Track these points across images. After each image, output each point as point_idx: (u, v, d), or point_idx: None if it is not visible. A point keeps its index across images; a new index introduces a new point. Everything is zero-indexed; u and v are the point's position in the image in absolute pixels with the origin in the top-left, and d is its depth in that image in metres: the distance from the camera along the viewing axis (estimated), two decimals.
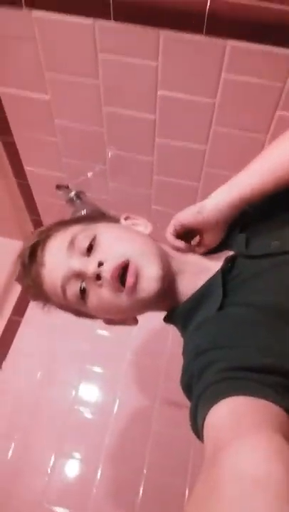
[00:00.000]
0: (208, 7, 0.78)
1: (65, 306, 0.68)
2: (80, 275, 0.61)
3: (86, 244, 0.61)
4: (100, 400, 1.35)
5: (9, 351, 1.42)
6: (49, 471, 1.23)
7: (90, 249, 0.62)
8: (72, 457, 1.26)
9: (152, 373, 1.37)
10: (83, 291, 0.62)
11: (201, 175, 1.14)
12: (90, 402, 1.35)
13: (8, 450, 1.26)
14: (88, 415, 1.32)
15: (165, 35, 0.85)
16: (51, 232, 0.67)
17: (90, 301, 0.62)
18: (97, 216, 0.73)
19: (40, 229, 0.70)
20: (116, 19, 0.85)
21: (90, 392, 1.36)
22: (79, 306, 0.65)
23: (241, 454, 0.34)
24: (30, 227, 1.54)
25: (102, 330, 1.45)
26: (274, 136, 0.97)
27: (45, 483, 1.22)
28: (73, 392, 1.35)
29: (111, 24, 0.86)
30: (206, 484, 0.34)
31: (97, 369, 1.40)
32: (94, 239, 0.62)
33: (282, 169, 0.60)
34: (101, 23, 0.86)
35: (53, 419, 1.31)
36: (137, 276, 0.58)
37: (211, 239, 0.67)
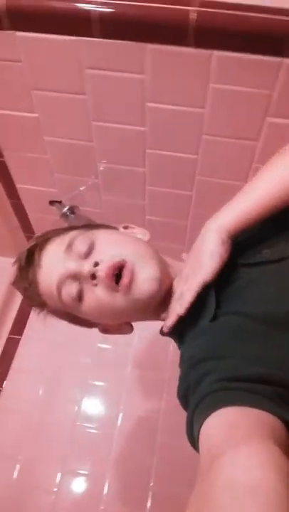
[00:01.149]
0: (191, 19, 0.78)
1: (61, 311, 0.68)
2: (75, 276, 0.61)
3: (84, 248, 0.62)
4: (104, 414, 1.34)
5: (9, 370, 1.41)
6: (55, 490, 1.21)
7: (87, 253, 0.62)
8: (79, 474, 1.24)
9: (155, 384, 1.37)
10: (78, 293, 0.62)
11: (193, 184, 1.14)
12: (93, 416, 1.34)
13: (13, 470, 1.25)
14: (92, 430, 1.31)
15: (151, 48, 0.85)
16: (49, 236, 0.68)
17: (85, 303, 0.62)
18: (96, 224, 0.74)
19: (37, 234, 0.71)
20: (101, 36, 0.85)
21: (93, 406, 1.36)
22: (74, 309, 0.65)
23: (234, 463, 0.34)
24: (25, 244, 1.53)
25: (102, 343, 1.44)
26: (264, 143, 0.98)
27: (52, 501, 1.20)
28: (76, 408, 1.34)
29: (96, 41, 0.86)
30: (200, 494, 0.34)
31: (99, 383, 1.39)
32: (92, 243, 0.62)
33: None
34: (85, 41, 0.86)
35: (57, 436, 1.30)
36: (132, 276, 0.59)
37: None
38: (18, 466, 1.25)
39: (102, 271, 0.59)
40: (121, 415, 1.32)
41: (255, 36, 0.79)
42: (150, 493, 1.20)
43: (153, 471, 1.23)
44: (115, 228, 0.73)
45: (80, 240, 0.63)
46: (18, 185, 1.28)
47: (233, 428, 0.40)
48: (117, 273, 0.59)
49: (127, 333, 0.74)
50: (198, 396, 0.47)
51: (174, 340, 0.69)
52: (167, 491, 1.20)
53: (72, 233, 0.66)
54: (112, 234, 0.69)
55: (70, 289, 0.62)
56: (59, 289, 0.63)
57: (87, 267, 0.60)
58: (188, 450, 1.30)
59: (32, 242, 0.68)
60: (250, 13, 0.77)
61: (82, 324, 0.72)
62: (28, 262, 0.66)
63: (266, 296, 0.56)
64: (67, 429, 1.31)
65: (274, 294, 0.56)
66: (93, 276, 0.59)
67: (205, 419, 0.43)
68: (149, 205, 1.25)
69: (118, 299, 0.60)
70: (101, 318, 0.69)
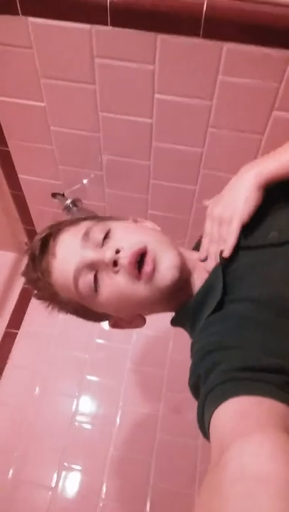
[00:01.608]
0: (204, 10, 0.80)
1: (71, 302, 0.66)
2: (94, 265, 0.60)
3: (101, 236, 0.61)
4: (102, 410, 1.32)
5: (6, 365, 1.39)
6: (53, 486, 1.19)
7: (104, 242, 0.61)
8: (76, 471, 1.22)
9: (154, 381, 1.35)
10: (95, 282, 0.60)
11: (198, 178, 1.14)
12: (91, 413, 1.32)
13: (9, 467, 1.22)
14: (90, 427, 1.29)
15: (162, 38, 0.86)
16: (63, 226, 0.66)
17: (103, 292, 0.61)
18: (107, 216, 0.73)
19: (50, 224, 0.69)
20: (113, 24, 0.86)
21: (91, 403, 1.34)
22: (90, 299, 0.63)
23: (245, 452, 0.34)
24: (23, 237, 1.52)
25: (100, 339, 1.43)
26: (270, 137, 0.99)
27: (49, 498, 1.17)
28: (74, 404, 1.32)
29: (108, 29, 0.86)
30: (210, 484, 0.34)
31: (97, 379, 1.37)
32: (108, 232, 0.61)
33: None
34: (98, 29, 0.87)
35: (55, 433, 1.28)
36: (154, 264, 0.58)
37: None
38: (14, 462, 1.22)
39: (125, 258, 0.57)
40: (120, 412, 1.31)
41: (265, 29, 0.80)
42: (149, 491, 1.18)
43: (152, 469, 1.21)
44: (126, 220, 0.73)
45: (98, 229, 0.62)
46: (20, 176, 1.27)
47: (243, 417, 0.40)
48: (138, 260, 0.58)
49: (139, 327, 0.72)
50: (208, 386, 0.47)
51: (186, 329, 0.69)
52: (166, 488, 1.19)
53: (88, 223, 0.65)
54: (128, 224, 0.68)
55: (88, 278, 0.60)
56: (76, 279, 0.61)
57: (109, 253, 0.58)
58: (187, 447, 1.31)
59: (45, 232, 0.66)
60: (261, 6, 0.79)
61: (91, 318, 0.70)
62: (42, 251, 0.64)
63: (274, 280, 0.56)
64: (65, 426, 1.29)
65: (281, 278, 0.56)
66: (115, 264, 0.58)
67: (216, 408, 0.43)
68: (152, 199, 1.25)
69: (139, 287, 0.59)
70: (116, 309, 0.67)
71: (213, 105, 0.96)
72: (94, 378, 1.37)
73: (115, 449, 1.24)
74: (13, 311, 1.48)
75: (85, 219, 0.68)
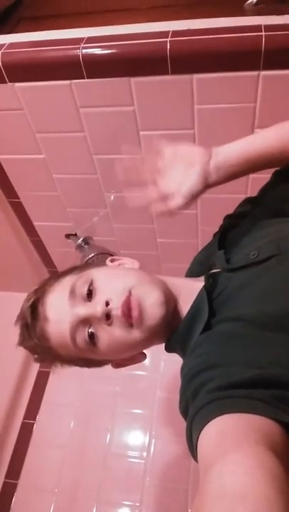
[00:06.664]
0: (168, 49, 0.85)
1: (75, 358, 0.67)
2: (87, 320, 0.61)
3: (85, 288, 0.62)
4: (135, 441, 1.33)
5: (42, 403, 1.44)
6: None
7: (89, 294, 0.62)
8: (115, 504, 1.23)
9: None
10: (92, 336, 0.62)
11: (197, 202, 1.17)
12: (125, 444, 1.33)
13: (50, 504, 1.25)
14: (125, 459, 1.30)
15: (135, 81, 0.92)
16: (46, 288, 0.67)
17: (101, 344, 0.62)
18: (85, 265, 0.76)
19: (33, 289, 0.70)
20: (89, 77, 0.93)
21: (124, 434, 1.35)
22: (90, 353, 0.64)
23: (223, 472, 0.34)
24: None
25: (129, 371, 1.45)
26: None
27: None
28: (108, 437, 1.34)
29: (85, 82, 0.94)
30: (195, 505, 0.34)
31: (130, 410, 1.39)
32: (91, 283, 0.63)
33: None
34: (77, 83, 0.95)
35: (92, 467, 1.30)
36: (140, 306, 0.59)
37: None
38: (54, 499, 1.25)
39: (117, 309, 0.59)
40: (153, 441, 1.31)
41: (227, 55, 0.84)
42: None
43: (190, 496, 1.19)
44: (104, 264, 0.75)
45: (81, 283, 0.63)
46: (35, 223, 1.36)
47: (224, 436, 0.40)
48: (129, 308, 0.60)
49: (140, 362, 0.73)
50: (195, 408, 0.47)
51: (179, 354, 0.70)
52: None
53: (70, 278, 0.66)
54: (107, 270, 0.70)
55: (84, 334, 0.62)
56: (73, 337, 0.62)
57: (100, 308, 0.59)
58: None
59: (32, 297, 0.67)
60: (219, 35, 0.83)
61: (94, 365, 0.72)
62: (34, 317, 0.65)
63: (257, 297, 0.57)
64: (100, 459, 1.30)
65: (264, 294, 0.56)
66: (107, 317, 0.59)
67: (201, 430, 0.43)
68: (158, 228, 1.29)
69: (134, 332, 0.60)
70: (117, 355, 0.68)
71: (196, 133, 1.00)
72: (126, 410, 1.39)
73: (151, 479, 1.24)
74: None
75: (66, 273, 0.69)
